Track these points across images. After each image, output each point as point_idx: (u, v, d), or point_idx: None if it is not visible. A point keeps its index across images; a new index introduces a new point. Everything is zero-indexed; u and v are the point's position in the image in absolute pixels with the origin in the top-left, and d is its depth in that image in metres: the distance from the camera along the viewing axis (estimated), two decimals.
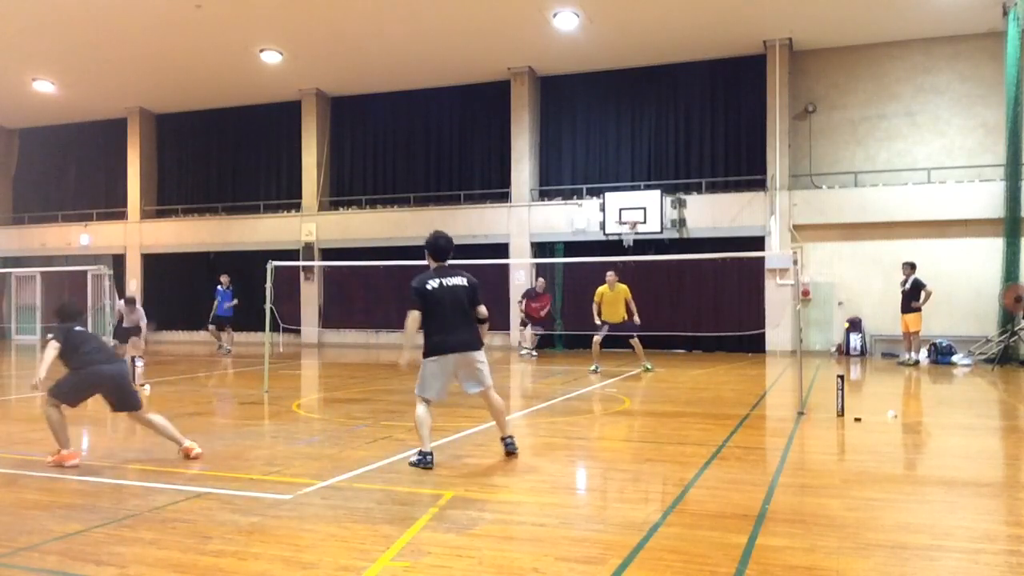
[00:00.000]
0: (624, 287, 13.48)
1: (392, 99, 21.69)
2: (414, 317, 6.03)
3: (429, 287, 6.05)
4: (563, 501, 5.21)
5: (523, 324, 17.73)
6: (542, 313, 17.42)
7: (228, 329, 18.59)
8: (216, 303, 18.57)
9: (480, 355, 6.22)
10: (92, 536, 4.34)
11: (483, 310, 6.35)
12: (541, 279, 17.80)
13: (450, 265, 6.30)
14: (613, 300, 13.38)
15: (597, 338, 13.57)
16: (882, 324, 16.81)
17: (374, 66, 19.84)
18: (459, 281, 6.18)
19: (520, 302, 17.71)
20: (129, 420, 6.72)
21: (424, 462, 5.91)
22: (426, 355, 6.11)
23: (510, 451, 6.32)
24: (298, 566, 3.87)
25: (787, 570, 3.78)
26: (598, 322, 13.56)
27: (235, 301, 18.48)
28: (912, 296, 14.83)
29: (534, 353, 17.22)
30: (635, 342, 13.51)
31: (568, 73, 20.01)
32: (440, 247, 6.29)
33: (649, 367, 13.46)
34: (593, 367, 13.40)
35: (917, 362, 14.95)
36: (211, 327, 18.68)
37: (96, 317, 19.56)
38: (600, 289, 13.56)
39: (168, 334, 23.17)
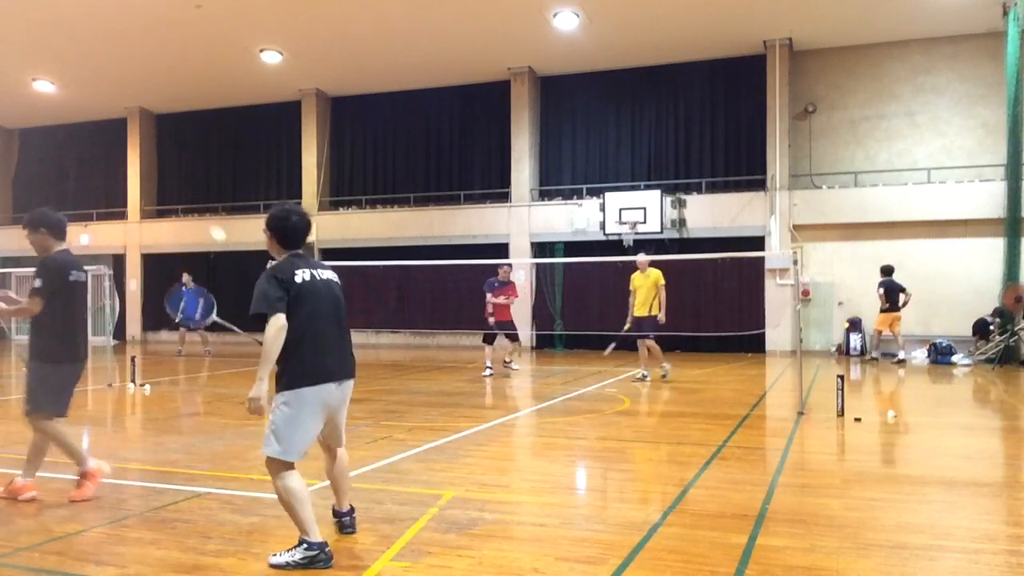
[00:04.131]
0: (658, 272, 11.76)
1: (392, 99, 21.70)
2: (281, 325, 3.87)
3: (298, 278, 4.01)
4: (563, 501, 5.21)
5: (489, 339, 13.24)
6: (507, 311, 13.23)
7: (183, 331, 17.60)
8: (184, 304, 17.65)
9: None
10: (92, 536, 4.34)
11: None
12: (507, 266, 13.62)
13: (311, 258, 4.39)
14: (643, 285, 11.71)
15: (649, 343, 11.79)
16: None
17: (374, 66, 19.84)
18: (332, 276, 4.26)
19: (487, 303, 13.09)
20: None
21: (319, 559, 3.86)
22: (292, 384, 3.94)
23: (348, 531, 4.38)
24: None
25: (787, 570, 3.78)
26: (629, 323, 11.91)
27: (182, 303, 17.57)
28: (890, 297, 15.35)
29: (514, 365, 13.85)
30: (652, 344, 11.81)
31: (568, 73, 20.01)
32: (293, 227, 4.18)
33: (663, 373, 12.07)
34: (662, 372, 12.04)
35: (875, 359, 15.45)
36: (184, 329, 17.43)
37: (96, 317, 19.52)
38: (633, 276, 11.97)
39: (168, 334, 23.15)
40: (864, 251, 17.28)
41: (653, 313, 11.67)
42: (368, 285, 19.58)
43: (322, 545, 3.89)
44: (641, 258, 11.99)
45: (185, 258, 22.84)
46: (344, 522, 4.38)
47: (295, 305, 3.96)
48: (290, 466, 3.94)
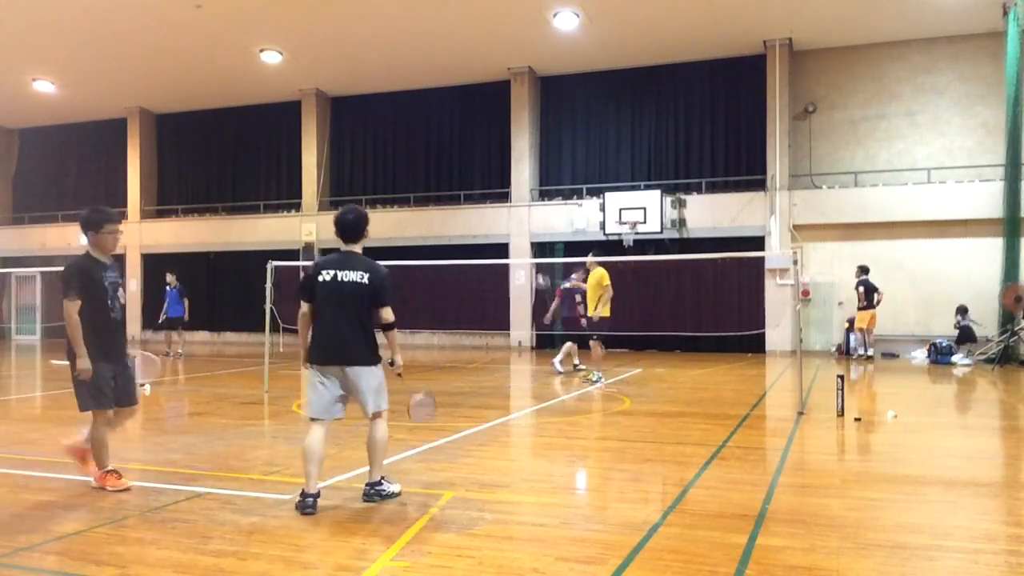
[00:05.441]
0: (602, 271, 11.55)
1: (392, 99, 21.71)
2: (303, 313, 4.99)
3: (320, 278, 4.96)
4: (563, 501, 5.21)
5: (571, 338, 13.00)
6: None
7: (168, 332, 17.35)
8: (167, 304, 17.06)
9: (368, 373, 4.98)
10: (92, 536, 4.34)
11: (387, 314, 5.07)
12: (583, 269, 12.72)
13: (358, 254, 5.16)
14: (588, 285, 11.58)
15: (591, 343, 11.85)
16: (881, 324, 16.81)
17: (374, 66, 19.84)
18: (357, 277, 4.95)
19: (578, 302, 12.66)
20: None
21: (303, 505, 4.71)
22: (306, 361, 5.04)
23: (369, 499, 4.98)
24: (298, 566, 3.87)
25: (787, 570, 3.77)
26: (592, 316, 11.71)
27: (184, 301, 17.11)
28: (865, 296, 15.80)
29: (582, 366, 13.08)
30: (594, 344, 11.78)
31: (568, 73, 20.01)
32: (347, 223, 5.12)
33: (596, 378, 11.62)
34: (575, 367, 11.99)
35: (870, 357, 15.76)
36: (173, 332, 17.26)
37: None
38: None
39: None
40: (864, 251, 17.27)
41: (602, 315, 11.61)
42: None
43: (305, 494, 4.73)
44: (589, 259, 11.94)
45: (185, 258, 22.88)
46: (365, 492, 4.99)
47: (318, 299, 4.95)
48: (315, 423, 4.89)
